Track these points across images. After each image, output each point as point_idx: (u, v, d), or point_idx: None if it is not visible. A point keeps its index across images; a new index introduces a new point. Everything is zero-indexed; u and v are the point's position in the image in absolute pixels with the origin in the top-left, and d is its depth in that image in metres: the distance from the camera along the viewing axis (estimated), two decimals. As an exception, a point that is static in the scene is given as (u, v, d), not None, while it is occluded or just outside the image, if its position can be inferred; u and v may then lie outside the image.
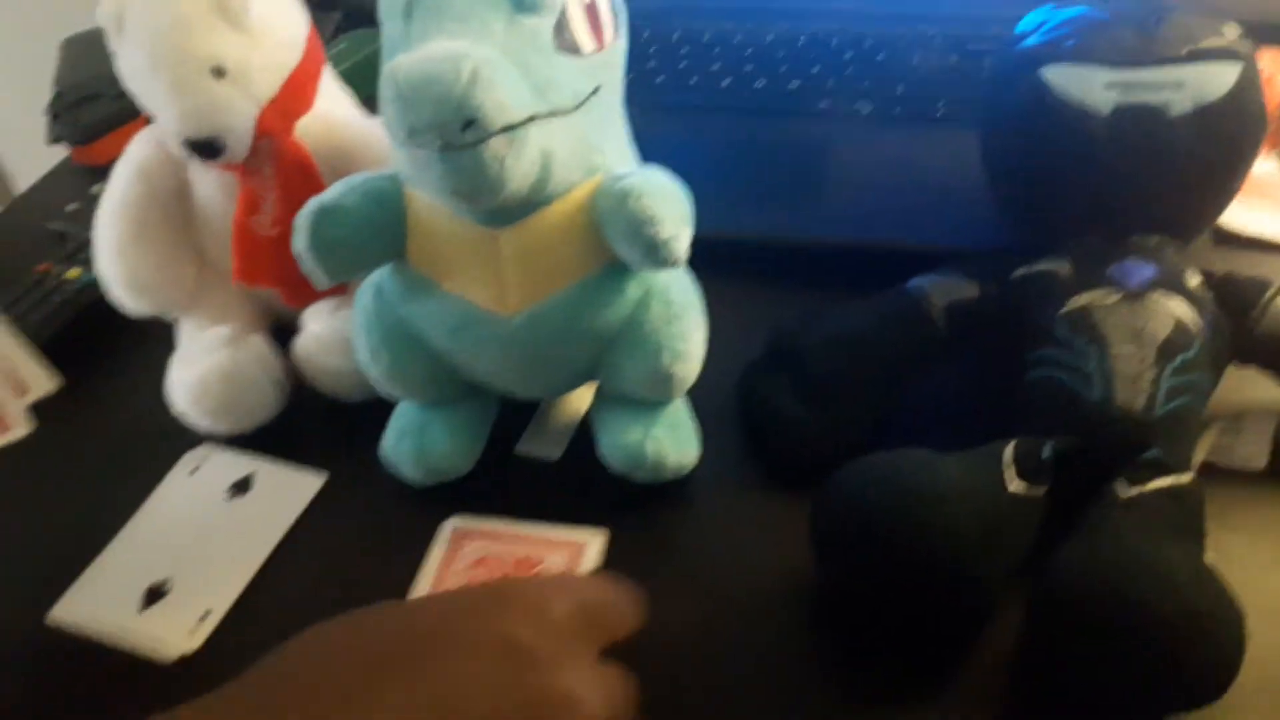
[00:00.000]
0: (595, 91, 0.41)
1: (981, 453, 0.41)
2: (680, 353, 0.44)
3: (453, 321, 0.44)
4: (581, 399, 0.52)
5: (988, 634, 0.41)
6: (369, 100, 0.46)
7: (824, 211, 0.59)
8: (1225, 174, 0.46)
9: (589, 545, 0.45)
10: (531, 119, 0.38)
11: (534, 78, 0.39)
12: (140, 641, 0.44)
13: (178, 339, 0.54)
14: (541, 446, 0.51)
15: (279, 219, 0.50)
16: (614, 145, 0.44)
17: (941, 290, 0.47)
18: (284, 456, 0.51)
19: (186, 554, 0.47)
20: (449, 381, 0.47)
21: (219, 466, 0.51)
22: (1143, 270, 0.44)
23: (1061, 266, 0.45)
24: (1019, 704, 0.40)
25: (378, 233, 0.43)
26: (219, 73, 0.47)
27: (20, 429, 0.49)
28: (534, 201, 0.41)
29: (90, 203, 0.55)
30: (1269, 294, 0.45)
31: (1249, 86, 0.44)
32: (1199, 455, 0.46)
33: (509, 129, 0.37)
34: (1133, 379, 0.41)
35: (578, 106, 0.40)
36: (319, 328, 0.52)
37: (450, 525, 0.47)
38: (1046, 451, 0.41)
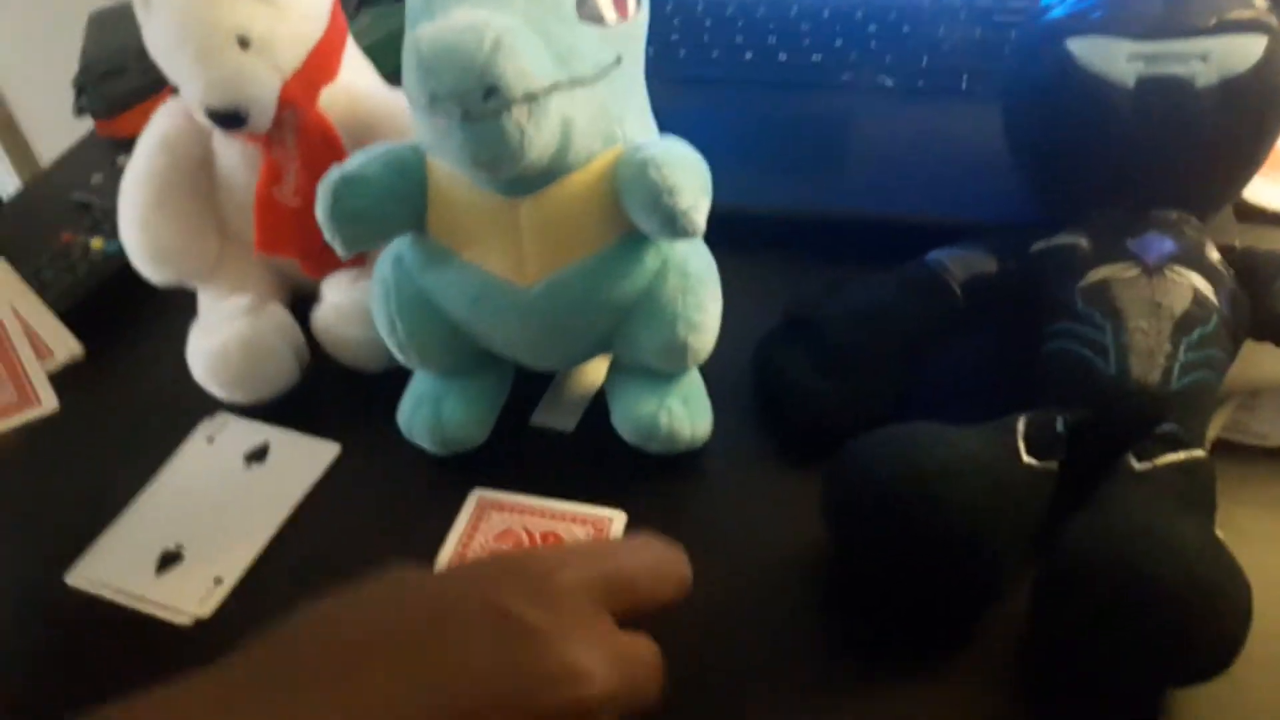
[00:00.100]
0: (617, 61, 0.41)
1: (995, 426, 0.41)
2: (696, 324, 0.45)
3: (471, 291, 0.44)
4: (597, 371, 0.52)
5: (999, 606, 0.41)
6: (392, 76, 0.46)
7: (845, 185, 0.58)
8: (1249, 147, 0.45)
9: (614, 522, 0.46)
10: (553, 88, 0.38)
11: (556, 46, 0.39)
12: (154, 605, 0.45)
13: (198, 308, 0.55)
14: (556, 418, 0.51)
15: (301, 189, 0.51)
16: (635, 116, 0.44)
17: (961, 263, 0.47)
18: (300, 427, 0.52)
19: (201, 521, 0.48)
20: (466, 351, 0.48)
21: (236, 435, 0.52)
22: (1162, 244, 0.44)
23: (1081, 240, 0.45)
24: (1028, 675, 0.40)
25: (399, 202, 0.43)
26: (244, 43, 0.48)
27: (48, 405, 0.50)
28: (554, 171, 0.41)
29: (115, 175, 0.55)
30: (1289, 270, 0.45)
31: (1276, 59, 0.43)
32: (1214, 430, 0.46)
33: (530, 98, 0.37)
34: (1149, 353, 0.41)
35: (599, 76, 0.40)
36: (338, 298, 0.53)
37: (476, 496, 0.48)
38: (1060, 425, 0.41)
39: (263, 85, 0.48)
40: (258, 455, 0.51)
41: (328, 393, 0.54)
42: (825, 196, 0.58)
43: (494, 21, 0.36)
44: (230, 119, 0.48)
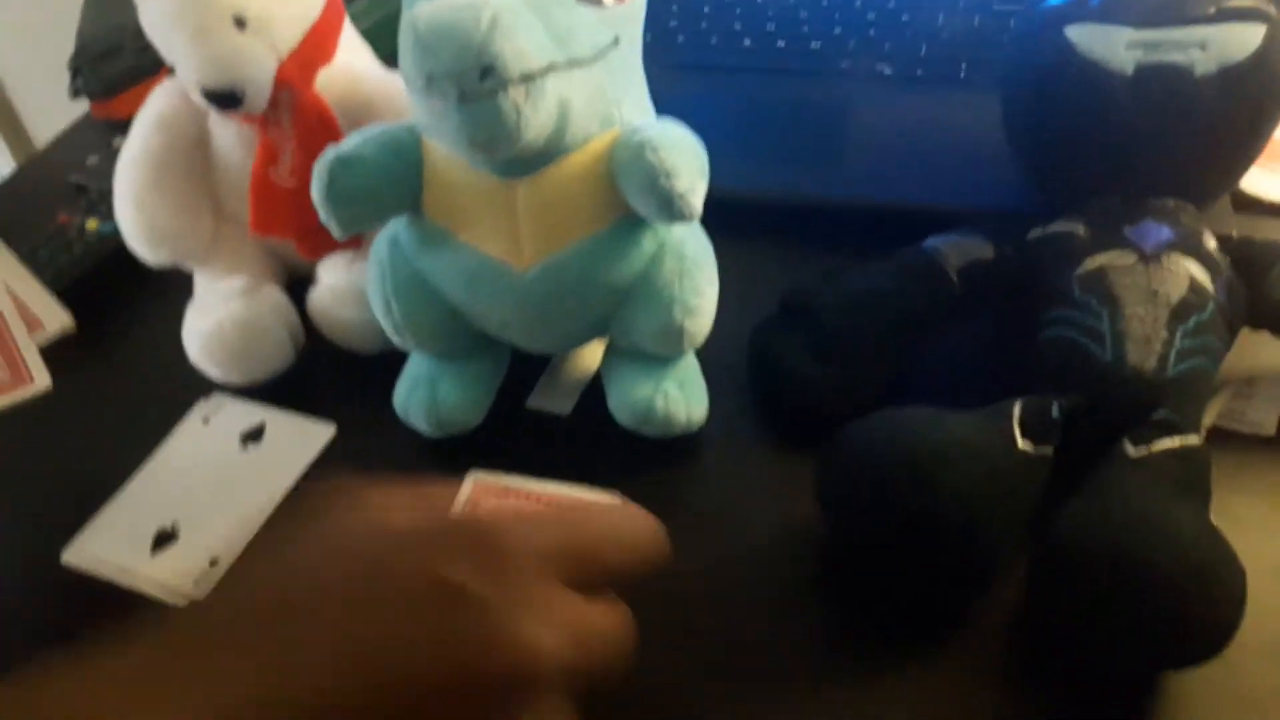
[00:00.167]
0: (615, 43, 0.41)
1: (990, 411, 0.41)
2: (692, 307, 0.45)
3: (467, 273, 0.44)
4: (593, 355, 0.52)
5: (992, 591, 0.41)
6: (389, 59, 0.46)
7: (843, 172, 0.58)
8: (1248, 136, 0.45)
9: None
10: (550, 68, 0.38)
11: (554, 27, 0.38)
12: (148, 585, 0.45)
13: (194, 289, 0.55)
14: (552, 401, 0.51)
15: (297, 170, 0.50)
16: (632, 98, 0.44)
17: (957, 250, 0.47)
18: (296, 408, 0.52)
19: (197, 501, 0.48)
20: (462, 334, 0.48)
21: (231, 416, 0.52)
22: (1159, 232, 0.44)
23: (1078, 227, 0.45)
24: (1022, 659, 0.40)
25: (395, 183, 0.43)
26: (240, 23, 0.47)
27: (41, 383, 0.50)
28: (550, 153, 0.41)
29: (111, 156, 0.55)
30: (1286, 259, 0.45)
31: (1275, 47, 0.43)
32: (1209, 418, 0.46)
33: (527, 78, 0.37)
34: (1145, 340, 0.41)
35: (597, 57, 0.40)
36: (334, 280, 0.52)
37: (472, 479, 0.48)
38: (1055, 411, 0.41)
39: (259, 65, 0.48)
40: (253, 436, 0.51)
41: (323, 374, 0.54)
42: (823, 184, 0.58)
43: (491, 1, 0.36)
44: (226, 99, 0.48)
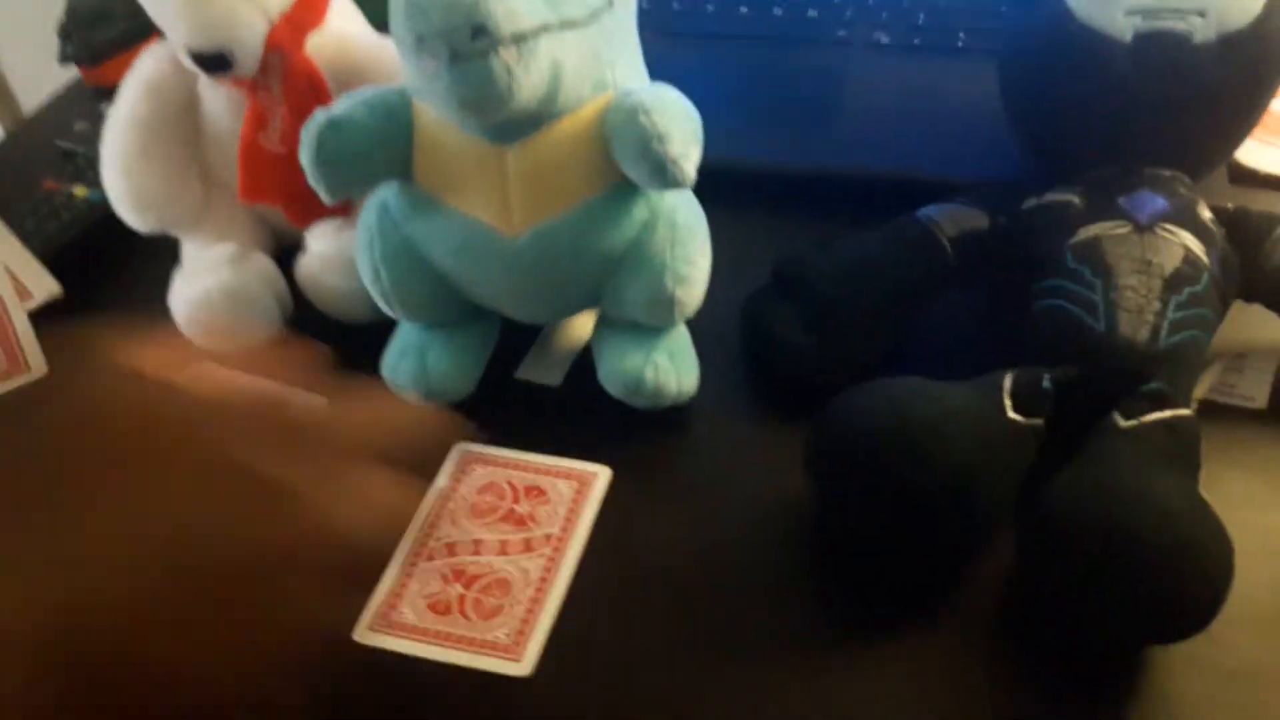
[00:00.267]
0: (609, 4, 0.41)
1: (982, 382, 0.41)
2: (684, 276, 0.44)
3: (456, 240, 0.44)
4: (584, 325, 0.52)
5: (982, 560, 0.41)
6: (381, 26, 0.45)
7: (838, 141, 0.58)
8: (1246, 104, 0.45)
9: (599, 476, 0.45)
10: (542, 29, 0.37)
11: (546, -13, 0.38)
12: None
13: (182, 257, 0.54)
14: (542, 372, 0.51)
15: (286, 136, 0.50)
16: (626, 62, 0.43)
17: (952, 219, 0.47)
18: (285, 377, 0.51)
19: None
20: (451, 302, 0.47)
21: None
22: (1154, 202, 0.43)
23: (1073, 197, 0.45)
24: (1009, 629, 0.40)
25: (385, 146, 0.42)
26: (230, -15, 0.47)
27: (36, 370, 0.50)
28: (542, 117, 0.40)
29: (99, 123, 0.54)
30: (1280, 230, 0.44)
31: (1274, 15, 0.43)
32: (1200, 391, 0.46)
33: (519, 38, 0.36)
34: (1138, 310, 0.41)
35: (590, 19, 0.39)
36: (323, 247, 0.52)
37: (458, 449, 0.47)
38: (1046, 382, 0.41)
39: (249, 28, 0.47)
40: (241, 404, 0.50)
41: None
42: (818, 152, 0.58)
43: (483, -40, 0.36)
44: (215, 62, 0.48)
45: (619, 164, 0.41)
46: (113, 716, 0.27)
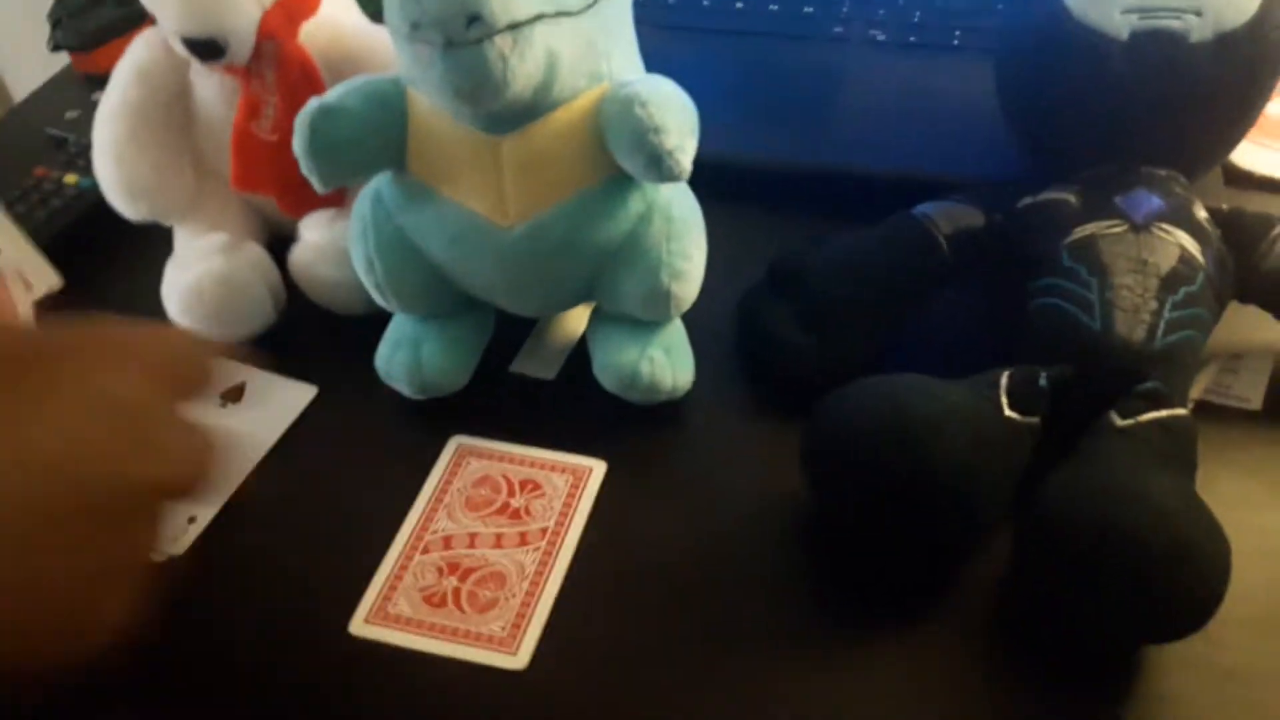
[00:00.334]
0: (605, -6, 0.40)
1: (978, 380, 0.41)
2: (680, 271, 0.44)
3: (451, 231, 0.44)
4: (578, 319, 0.52)
5: (978, 558, 0.41)
6: (376, 16, 0.45)
7: (834, 138, 0.58)
8: (1242, 104, 0.45)
9: (594, 470, 0.45)
10: (538, 17, 0.37)
11: (542, -25, 0.38)
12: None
13: (174, 246, 0.54)
14: (536, 366, 0.51)
15: (279, 124, 0.49)
16: (621, 53, 0.43)
17: (948, 217, 0.47)
18: (277, 369, 0.51)
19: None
20: (445, 294, 0.47)
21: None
22: (1150, 202, 0.43)
23: (1069, 196, 0.45)
24: (1005, 627, 0.40)
25: (379, 135, 0.42)
26: (223, -29, 0.46)
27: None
28: (537, 107, 0.40)
29: (90, 110, 0.54)
30: (1276, 231, 0.44)
31: (1271, 14, 0.43)
32: (1196, 392, 0.46)
33: (514, 26, 0.36)
34: (1134, 310, 0.41)
35: (586, 8, 0.39)
36: (316, 237, 0.52)
37: (455, 443, 0.47)
38: (1043, 380, 0.41)
39: (242, 15, 0.47)
40: (233, 395, 0.50)
41: (305, 335, 0.53)
42: (814, 150, 0.57)
43: (479, -52, 0.35)
44: (208, 49, 0.47)
45: (614, 156, 0.41)
46: None
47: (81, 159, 0.61)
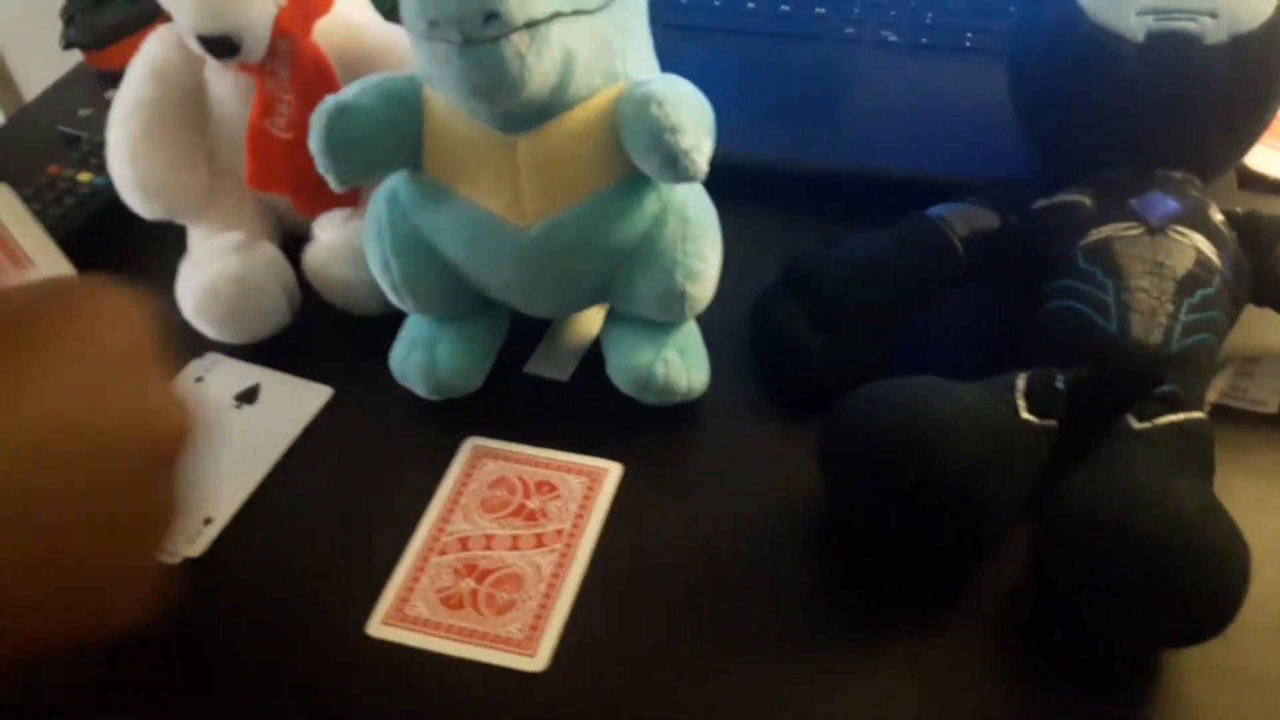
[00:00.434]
0: (621, -7, 0.40)
1: (995, 382, 0.41)
2: (695, 272, 0.44)
3: (467, 231, 0.44)
4: (593, 321, 0.52)
5: (994, 561, 0.41)
6: (391, 15, 0.45)
7: (846, 139, 0.58)
8: (1256, 106, 0.45)
9: (609, 473, 0.45)
10: (555, 16, 0.37)
11: (559, -26, 0.38)
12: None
13: (189, 245, 0.54)
14: (551, 367, 0.51)
15: (294, 122, 0.49)
16: (637, 52, 0.43)
17: (963, 219, 0.47)
18: (292, 369, 0.51)
19: (190, 461, 0.47)
20: (460, 294, 0.47)
21: (225, 375, 0.51)
22: (1166, 204, 0.43)
23: (1084, 198, 0.45)
24: (1020, 631, 0.40)
25: (395, 133, 0.42)
26: (238, -31, 0.46)
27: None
28: (553, 107, 0.40)
29: (103, 108, 0.54)
30: (1293, 234, 0.44)
31: (1288, 18, 0.43)
32: (1212, 395, 0.46)
33: (531, 24, 0.36)
34: (1150, 312, 0.41)
35: (602, 6, 0.39)
36: (331, 237, 0.52)
37: (470, 444, 0.47)
38: (1059, 383, 0.41)
39: (256, 12, 0.47)
40: (248, 396, 0.50)
41: (320, 336, 0.53)
42: (827, 151, 0.57)
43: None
44: (223, 46, 0.47)
45: (630, 155, 0.41)
46: None
47: (95, 157, 0.61)
